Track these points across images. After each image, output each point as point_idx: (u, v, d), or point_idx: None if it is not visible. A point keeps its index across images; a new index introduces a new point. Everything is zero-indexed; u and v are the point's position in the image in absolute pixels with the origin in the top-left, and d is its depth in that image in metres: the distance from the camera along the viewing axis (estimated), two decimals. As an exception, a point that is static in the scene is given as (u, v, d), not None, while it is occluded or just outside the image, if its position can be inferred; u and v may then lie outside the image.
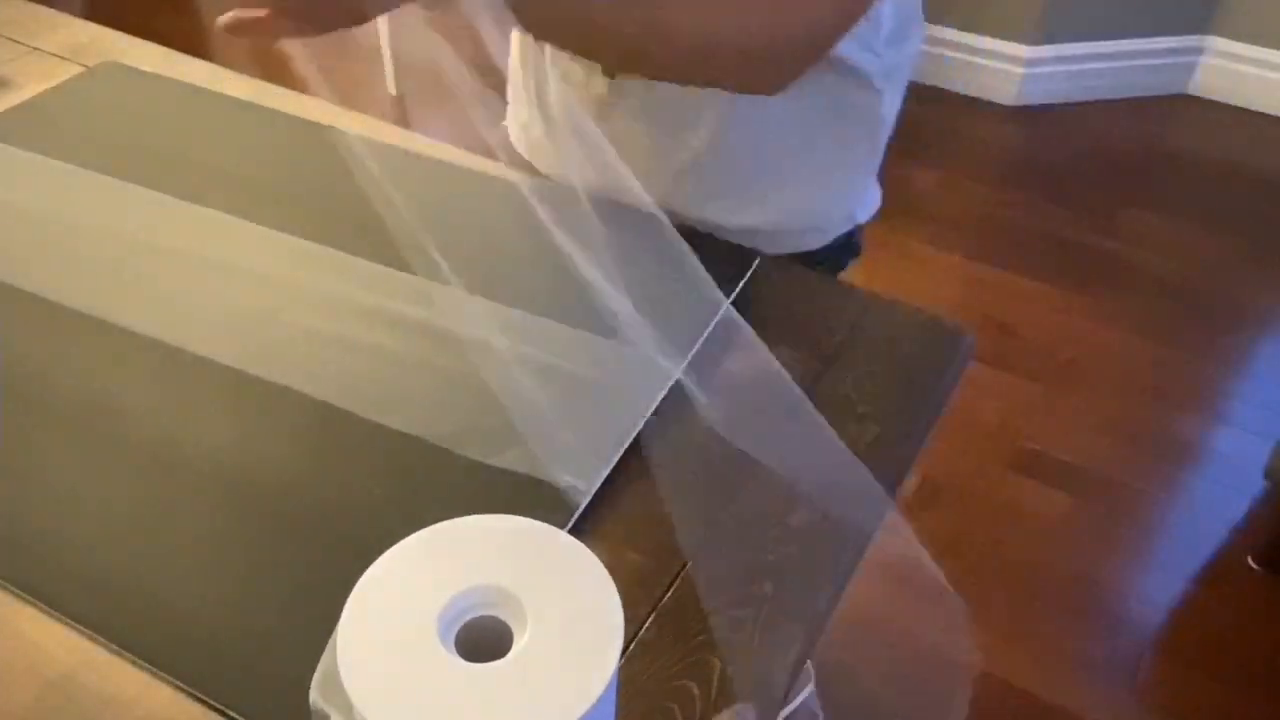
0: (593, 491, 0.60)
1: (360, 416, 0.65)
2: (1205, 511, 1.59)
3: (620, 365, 0.69)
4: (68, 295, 0.74)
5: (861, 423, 0.66)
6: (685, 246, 0.72)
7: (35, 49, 1.04)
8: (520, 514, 0.57)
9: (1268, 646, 1.41)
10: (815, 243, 0.90)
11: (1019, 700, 1.34)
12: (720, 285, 0.76)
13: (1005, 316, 1.95)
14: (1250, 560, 1.51)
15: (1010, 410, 1.75)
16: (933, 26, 2.61)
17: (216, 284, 0.75)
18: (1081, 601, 1.46)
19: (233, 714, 0.50)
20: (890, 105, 0.84)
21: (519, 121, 0.93)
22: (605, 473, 0.62)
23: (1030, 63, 2.54)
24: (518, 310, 0.73)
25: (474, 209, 0.84)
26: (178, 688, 0.51)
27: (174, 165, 0.87)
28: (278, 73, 0.92)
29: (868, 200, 0.93)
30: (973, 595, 1.47)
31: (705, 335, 0.71)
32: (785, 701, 0.53)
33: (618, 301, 0.71)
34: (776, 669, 0.53)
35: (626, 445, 0.64)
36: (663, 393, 0.67)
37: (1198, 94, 2.63)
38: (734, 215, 0.83)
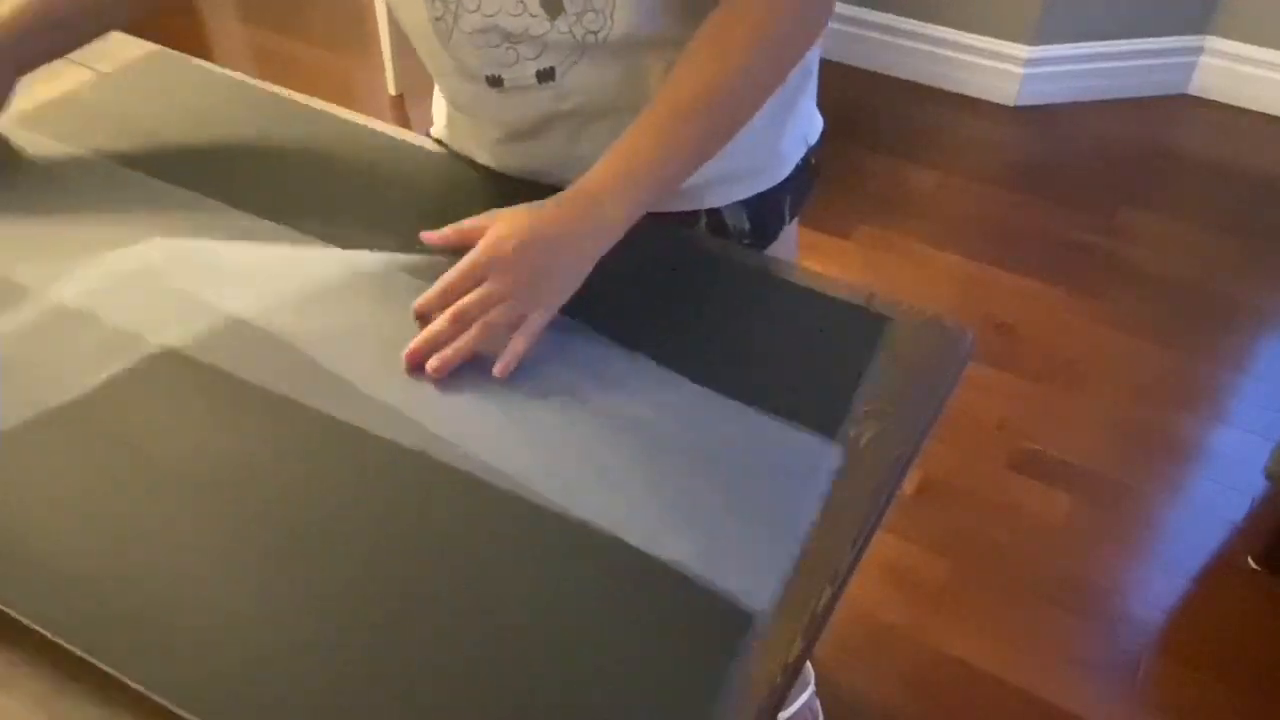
0: (771, 603, 0.54)
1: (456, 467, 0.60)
2: (1205, 511, 1.59)
3: (780, 444, 0.62)
4: (105, 310, 0.71)
5: (861, 423, 0.66)
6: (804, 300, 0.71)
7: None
8: (689, 620, 0.53)
9: (1268, 646, 1.41)
10: (777, 176, 0.89)
11: (1019, 700, 1.34)
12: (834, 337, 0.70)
13: (1005, 316, 1.95)
14: (1250, 560, 1.51)
15: (1010, 410, 1.75)
16: (933, 26, 2.61)
17: (250, 299, 0.71)
18: (1081, 601, 1.46)
19: None
20: None
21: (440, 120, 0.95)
22: (783, 579, 0.56)
23: (1030, 63, 2.54)
24: (667, 371, 0.66)
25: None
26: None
27: (213, 164, 0.84)
28: (278, 73, 0.92)
29: (815, 121, 0.94)
30: (973, 595, 1.47)
31: (856, 407, 0.65)
32: (785, 702, 0.53)
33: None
34: (777, 669, 0.53)
35: (802, 543, 0.57)
36: (831, 477, 0.61)
37: (1198, 94, 2.63)
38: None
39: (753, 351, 0.69)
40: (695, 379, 0.66)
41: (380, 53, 2.58)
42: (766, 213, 0.90)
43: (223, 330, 0.69)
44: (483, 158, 0.89)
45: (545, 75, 0.76)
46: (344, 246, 0.76)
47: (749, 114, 0.74)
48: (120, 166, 0.83)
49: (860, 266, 2.06)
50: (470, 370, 0.66)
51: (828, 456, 0.62)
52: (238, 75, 0.95)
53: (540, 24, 0.72)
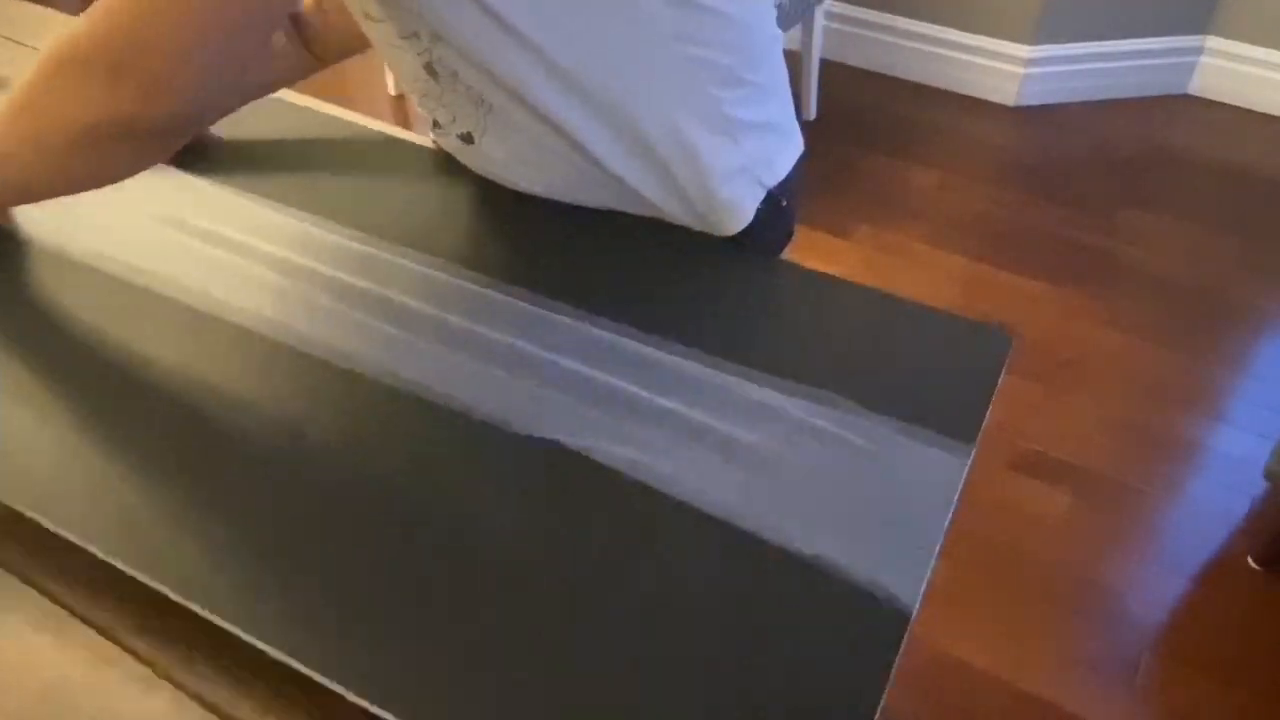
0: (917, 602, 0.54)
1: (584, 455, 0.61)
2: (1205, 511, 1.59)
3: (910, 452, 0.63)
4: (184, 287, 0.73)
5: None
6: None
7: (35, 49, 1.04)
8: (848, 616, 0.53)
9: (1268, 646, 1.41)
10: (725, 228, 0.84)
11: (1019, 700, 1.34)
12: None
13: (1005, 316, 1.95)
14: (1250, 560, 1.51)
15: (1010, 410, 1.75)
16: (933, 26, 2.61)
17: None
18: (1081, 601, 1.46)
19: (255, 639, 0.51)
20: (757, 57, 0.80)
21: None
22: (925, 578, 0.55)
23: (1030, 63, 2.54)
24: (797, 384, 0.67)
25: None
26: (176, 685, 0.51)
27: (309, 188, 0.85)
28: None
29: (777, 160, 0.87)
30: (973, 595, 1.47)
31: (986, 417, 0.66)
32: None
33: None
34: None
35: (939, 545, 0.57)
36: (960, 483, 0.62)
37: (1198, 94, 2.63)
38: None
39: (878, 366, 0.70)
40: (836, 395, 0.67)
41: (380, 54, 2.58)
42: None
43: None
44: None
45: (466, 139, 0.80)
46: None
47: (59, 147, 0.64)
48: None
49: (860, 266, 2.06)
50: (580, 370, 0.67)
51: (961, 465, 0.62)
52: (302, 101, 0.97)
53: (434, 87, 0.75)
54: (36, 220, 0.80)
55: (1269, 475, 1.52)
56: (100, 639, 0.53)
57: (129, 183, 0.70)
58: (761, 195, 0.85)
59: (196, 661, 0.52)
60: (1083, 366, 1.85)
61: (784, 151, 0.88)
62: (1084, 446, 1.69)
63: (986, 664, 1.38)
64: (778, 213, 0.88)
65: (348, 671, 0.50)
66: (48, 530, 0.58)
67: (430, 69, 0.74)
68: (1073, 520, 1.58)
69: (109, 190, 0.71)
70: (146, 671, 0.52)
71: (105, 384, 0.66)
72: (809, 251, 2.06)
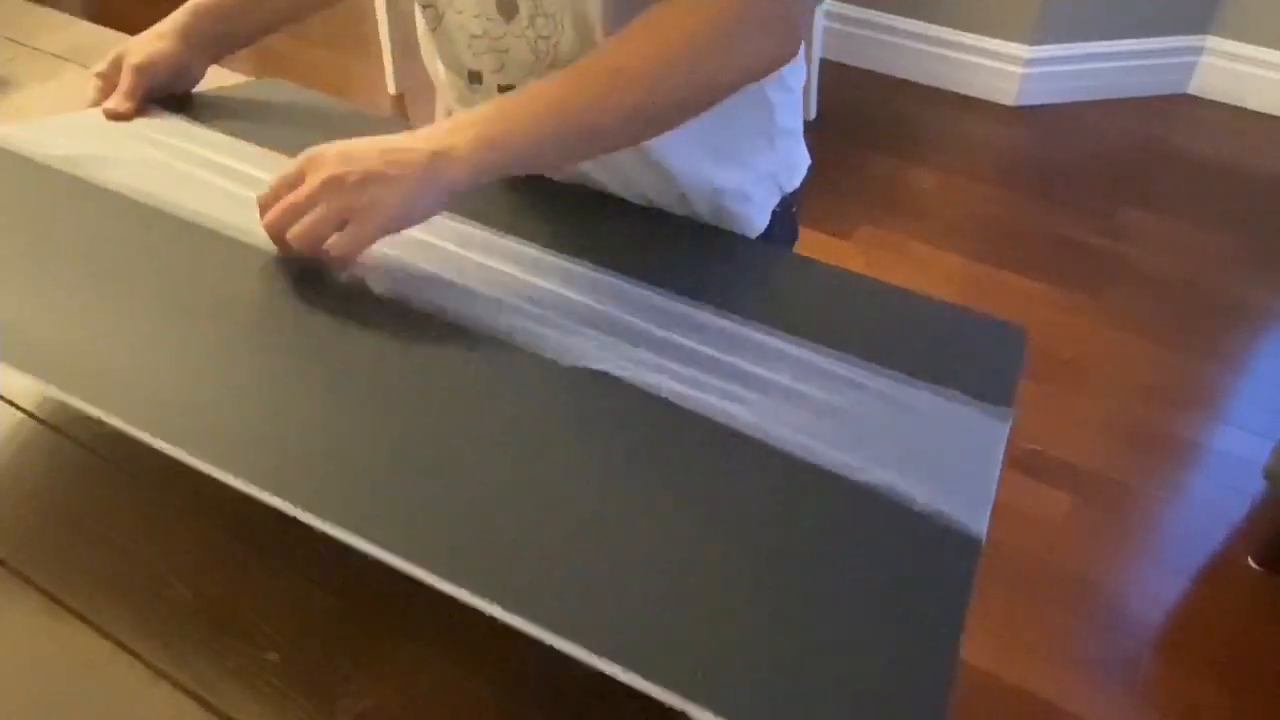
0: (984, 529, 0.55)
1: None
2: (1205, 511, 1.59)
3: (950, 410, 0.63)
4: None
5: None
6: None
7: (35, 49, 1.04)
8: (916, 544, 0.54)
9: (1268, 646, 1.41)
10: (750, 228, 0.86)
11: (1018, 700, 1.34)
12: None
13: (1005, 316, 1.94)
14: (1250, 560, 1.51)
15: (1010, 410, 1.76)
16: (933, 26, 2.61)
17: None
18: (1081, 601, 1.46)
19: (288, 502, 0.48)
20: (797, 65, 0.82)
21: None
22: (988, 510, 0.56)
23: (1030, 63, 2.54)
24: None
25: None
26: (176, 685, 0.51)
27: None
28: (278, 72, 0.93)
29: (795, 167, 0.90)
30: (973, 595, 1.47)
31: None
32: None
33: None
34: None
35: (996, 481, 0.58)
36: (1003, 446, 0.61)
37: (1198, 94, 2.63)
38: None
39: (910, 342, 0.72)
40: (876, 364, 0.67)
41: (380, 53, 2.58)
42: None
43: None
44: None
45: (506, 91, 0.78)
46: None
47: (659, 108, 0.68)
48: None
49: (860, 266, 2.06)
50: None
51: (1002, 427, 0.63)
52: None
53: (498, 27, 0.73)
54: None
55: (1269, 475, 1.53)
56: (100, 639, 0.53)
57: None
58: (777, 200, 0.88)
59: (197, 661, 0.52)
60: (1082, 366, 1.85)
61: (802, 160, 0.92)
62: (1084, 446, 1.69)
63: (987, 663, 1.38)
64: (786, 218, 0.90)
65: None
66: (48, 530, 0.58)
67: (506, 6, 0.71)
68: (1073, 520, 1.58)
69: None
70: (147, 671, 0.52)
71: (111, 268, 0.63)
72: (809, 252, 2.05)
